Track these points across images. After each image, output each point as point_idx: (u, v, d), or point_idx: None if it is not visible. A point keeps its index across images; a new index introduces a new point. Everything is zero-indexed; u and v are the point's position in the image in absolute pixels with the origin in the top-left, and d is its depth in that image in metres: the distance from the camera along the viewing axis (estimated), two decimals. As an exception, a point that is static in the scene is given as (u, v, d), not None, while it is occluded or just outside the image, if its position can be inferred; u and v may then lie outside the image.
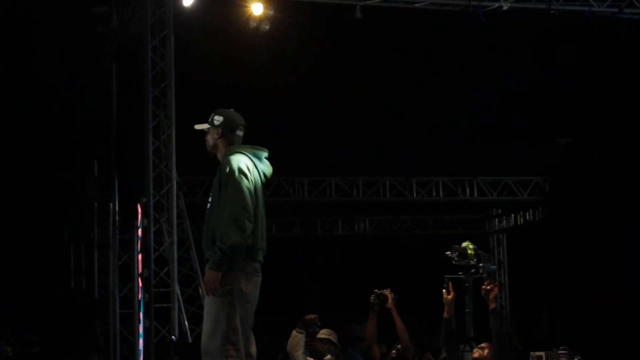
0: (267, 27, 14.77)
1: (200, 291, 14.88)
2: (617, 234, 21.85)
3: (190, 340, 14.23)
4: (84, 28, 17.51)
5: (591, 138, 22.39)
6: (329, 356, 9.40)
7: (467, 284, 8.38)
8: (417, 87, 20.20)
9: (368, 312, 9.52)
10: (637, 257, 21.17)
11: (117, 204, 17.04)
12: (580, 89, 20.98)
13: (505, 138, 23.35)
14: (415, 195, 22.76)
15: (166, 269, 14.18)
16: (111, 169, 16.88)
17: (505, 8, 15.17)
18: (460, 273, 8.45)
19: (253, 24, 14.81)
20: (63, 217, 21.30)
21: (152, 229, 14.13)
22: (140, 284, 14.45)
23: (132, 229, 16.15)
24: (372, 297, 9.41)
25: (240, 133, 7.14)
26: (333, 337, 9.67)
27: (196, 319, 14.43)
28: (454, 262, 8.41)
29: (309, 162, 22.21)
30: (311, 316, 9.08)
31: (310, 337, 9.16)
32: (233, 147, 7.05)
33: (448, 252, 8.44)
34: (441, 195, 22.98)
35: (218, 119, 7.12)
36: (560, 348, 14.83)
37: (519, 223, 28.39)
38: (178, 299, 14.34)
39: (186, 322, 14.71)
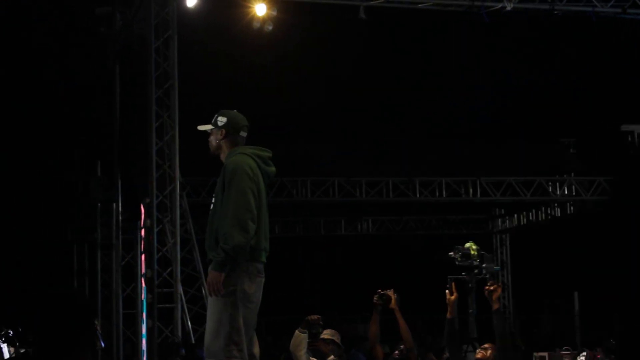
0: (271, 27, 14.79)
1: (203, 291, 14.89)
2: None
3: (193, 340, 14.25)
4: (88, 29, 17.52)
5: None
6: (332, 356, 9.40)
7: (470, 285, 8.38)
8: (420, 88, 20.21)
9: (370, 313, 9.52)
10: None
11: (120, 204, 17.05)
12: (584, 89, 20.97)
13: (509, 138, 23.36)
14: (418, 195, 22.75)
15: (169, 269, 14.18)
16: (114, 169, 16.88)
17: (508, 8, 15.17)
18: (463, 274, 8.45)
19: (256, 25, 14.82)
20: (66, 217, 21.31)
21: (155, 229, 14.13)
22: (144, 284, 14.46)
23: (135, 229, 16.17)
24: (375, 298, 9.40)
25: (244, 134, 7.14)
26: (336, 338, 9.67)
27: (199, 319, 14.44)
28: (457, 263, 8.41)
29: (312, 163, 22.22)
30: (314, 317, 9.07)
31: (314, 338, 9.17)
32: (237, 148, 7.05)
33: (451, 253, 8.44)
34: (444, 195, 22.96)
35: (222, 120, 7.12)
36: (563, 348, 14.84)
37: (522, 223, 28.39)
38: (181, 299, 14.35)
39: (189, 322, 14.72)
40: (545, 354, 14.85)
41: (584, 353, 12.25)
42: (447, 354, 9.15)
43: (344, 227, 28.64)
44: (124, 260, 17.32)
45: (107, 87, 17.34)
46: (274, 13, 14.78)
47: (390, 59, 20.03)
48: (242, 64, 17.81)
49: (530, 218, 27.82)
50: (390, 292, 9.41)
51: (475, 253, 8.40)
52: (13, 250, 22.65)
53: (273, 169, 7.10)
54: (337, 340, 9.67)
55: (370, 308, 9.48)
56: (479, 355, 8.45)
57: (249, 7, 14.82)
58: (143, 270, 14.46)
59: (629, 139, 22.61)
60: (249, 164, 6.87)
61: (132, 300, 17.08)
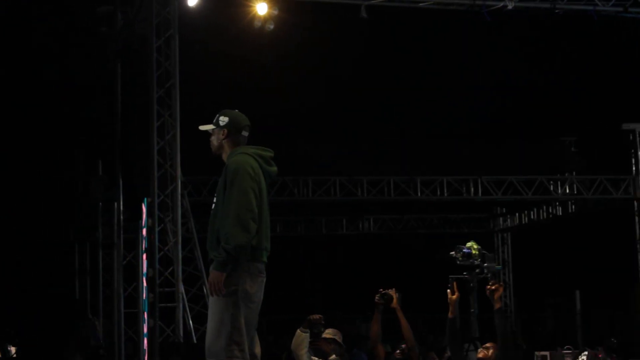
0: (272, 26, 14.78)
1: (204, 290, 14.89)
2: None
3: (195, 339, 14.25)
4: (88, 28, 17.52)
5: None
6: (333, 356, 9.39)
7: (471, 284, 8.37)
8: (422, 87, 20.21)
9: (372, 312, 9.52)
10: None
11: (121, 203, 17.05)
12: (585, 88, 20.96)
13: (510, 137, 23.36)
14: (419, 194, 22.74)
15: (171, 268, 14.20)
16: (116, 168, 16.88)
17: (510, 7, 15.17)
18: (464, 273, 8.44)
19: (258, 24, 14.82)
20: (67, 216, 21.32)
21: (157, 229, 14.14)
22: (145, 284, 14.46)
23: (136, 229, 16.16)
24: (377, 297, 9.40)
25: (245, 134, 7.14)
26: (338, 337, 9.67)
27: (201, 318, 14.45)
28: (458, 262, 8.41)
29: (313, 162, 22.22)
30: (316, 316, 9.07)
31: (315, 337, 9.16)
32: (238, 147, 7.04)
33: (452, 252, 8.43)
34: (445, 194, 22.95)
35: (223, 120, 7.11)
36: (565, 347, 14.84)
37: (523, 222, 28.39)
38: (182, 299, 14.36)
39: (190, 322, 14.72)
40: (547, 353, 14.84)
41: (586, 352, 12.24)
42: (448, 353, 9.14)
43: (345, 226, 28.65)
44: (125, 260, 17.32)
45: (108, 86, 17.33)
46: (275, 12, 14.77)
47: (392, 59, 20.03)
48: (244, 63, 17.81)
49: (532, 217, 27.83)
50: (392, 292, 9.40)
51: (477, 252, 8.39)
52: (14, 250, 22.66)
53: (275, 168, 7.10)
54: (338, 340, 9.66)
55: (372, 307, 9.47)
56: (480, 355, 8.45)
57: (250, 6, 14.82)
58: (145, 270, 14.46)
59: (630, 137, 22.64)
60: (250, 164, 6.87)
61: (133, 300, 17.07)
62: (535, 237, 28.40)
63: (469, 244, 8.43)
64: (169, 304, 14.11)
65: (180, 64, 14.52)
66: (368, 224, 28.70)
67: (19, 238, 22.72)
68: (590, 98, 21.62)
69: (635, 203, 23.11)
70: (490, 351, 8.39)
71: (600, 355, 13.67)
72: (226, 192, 6.80)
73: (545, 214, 27.14)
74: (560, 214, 26.51)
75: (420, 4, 15.30)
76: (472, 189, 22.98)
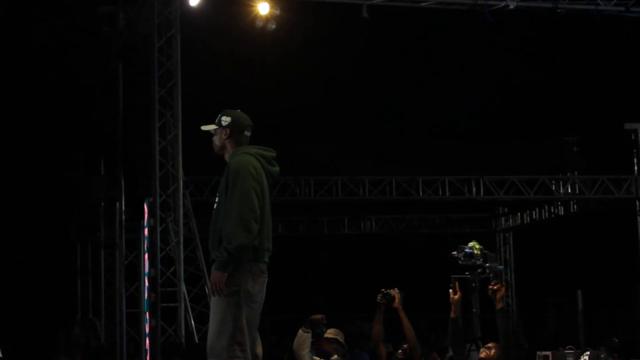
0: (274, 26, 14.77)
1: (206, 290, 14.89)
2: None
3: (196, 339, 14.24)
4: (88, 28, 17.53)
5: None
6: (335, 356, 9.38)
7: (473, 284, 8.37)
8: (423, 86, 20.21)
9: (374, 312, 9.51)
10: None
11: (123, 203, 17.06)
12: (587, 87, 20.96)
13: (512, 137, 23.34)
14: (421, 194, 22.72)
15: (172, 268, 14.19)
16: (117, 168, 16.89)
17: (512, 7, 15.16)
18: (466, 273, 8.44)
19: (259, 24, 14.81)
20: (69, 216, 21.33)
21: (159, 229, 14.13)
22: (147, 284, 14.46)
23: (138, 229, 16.16)
24: (379, 297, 9.40)
25: (247, 133, 7.13)
26: (340, 337, 9.66)
27: (202, 318, 14.45)
28: (460, 262, 8.40)
29: (315, 162, 22.21)
30: (318, 316, 9.05)
31: (317, 337, 9.15)
32: (241, 147, 7.03)
33: (454, 252, 8.43)
34: (447, 194, 22.94)
35: (226, 120, 7.10)
36: (567, 347, 14.82)
37: (525, 222, 28.38)
38: (184, 298, 14.35)
39: (192, 322, 14.72)
40: (549, 353, 14.83)
41: (588, 352, 12.23)
42: (450, 353, 9.14)
43: (347, 226, 28.63)
44: (127, 260, 17.32)
45: (109, 86, 17.35)
46: (277, 12, 14.77)
47: (393, 58, 20.03)
48: (245, 63, 17.82)
49: (534, 217, 27.81)
50: (394, 291, 9.40)
51: (479, 252, 8.38)
52: (16, 250, 22.66)
53: (277, 169, 7.09)
54: (340, 340, 9.65)
55: (374, 307, 9.47)
56: (482, 355, 8.44)
57: (252, 5, 14.82)
58: (146, 270, 14.46)
59: (632, 137, 22.62)
60: (252, 164, 6.86)
61: (135, 299, 17.07)
62: (537, 237, 28.39)
63: (471, 244, 8.43)
64: (170, 304, 14.10)
65: (182, 64, 14.51)
66: (370, 224, 28.68)
67: (21, 238, 22.72)
68: (592, 98, 21.62)
69: (637, 203, 23.10)
70: (492, 351, 8.38)
71: (602, 355, 13.66)
72: (228, 192, 6.79)
73: (547, 213, 27.12)
74: (562, 213, 26.49)
75: (422, 4, 15.29)
76: (474, 189, 22.96)
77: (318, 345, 9.20)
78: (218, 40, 16.94)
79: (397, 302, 9.36)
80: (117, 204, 17.60)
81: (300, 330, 9.06)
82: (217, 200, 6.98)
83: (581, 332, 25.27)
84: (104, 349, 16.70)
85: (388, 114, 22.24)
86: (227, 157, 7.06)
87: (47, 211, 22.21)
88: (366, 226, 28.72)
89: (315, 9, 15.92)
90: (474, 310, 8.43)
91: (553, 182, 23.65)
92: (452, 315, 8.39)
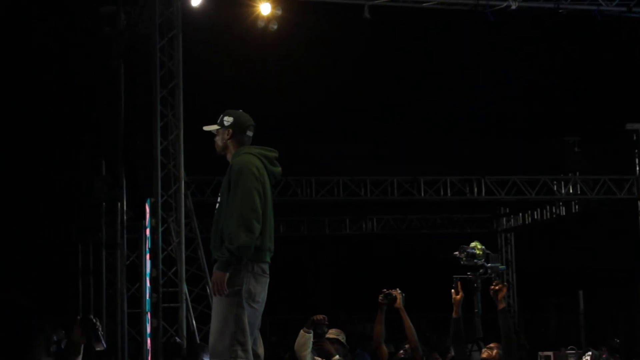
0: (275, 26, 14.76)
1: (208, 290, 14.89)
2: None
3: (198, 340, 14.23)
4: (89, 28, 17.53)
5: None
6: (337, 356, 9.36)
7: (475, 284, 8.36)
8: (425, 87, 20.21)
9: (375, 312, 9.51)
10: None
11: (125, 203, 17.05)
12: (588, 88, 20.96)
13: (514, 137, 23.35)
14: (423, 194, 22.72)
15: (174, 268, 14.18)
16: (119, 168, 16.88)
17: (513, 7, 15.14)
18: (468, 273, 8.42)
19: (261, 24, 14.80)
20: (70, 216, 21.32)
21: (160, 229, 14.13)
22: (148, 284, 14.46)
23: (140, 229, 16.17)
24: (380, 297, 9.38)
25: (250, 133, 7.12)
26: (341, 337, 9.65)
27: (204, 319, 14.44)
28: (462, 263, 8.39)
29: (317, 162, 22.23)
30: (319, 316, 9.04)
31: (319, 338, 9.14)
32: (243, 147, 7.03)
33: (456, 253, 8.42)
34: (449, 194, 22.94)
35: (228, 120, 7.09)
36: (568, 348, 14.82)
37: (526, 222, 28.38)
38: (186, 299, 14.35)
39: (194, 322, 14.71)
40: (551, 353, 14.83)
41: (589, 352, 12.21)
42: (452, 354, 9.13)
43: (348, 226, 28.64)
44: (128, 260, 17.31)
45: (111, 86, 17.35)
46: (279, 12, 14.76)
47: (395, 59, 20.03)
48: (247, 63, 17.83)
49: (535, 217, 27.81)
50: (395, 292, 9.39)
51: (481, 253, 8.37)
52: (17, 249, 22.67)
53: (279, 169, 7.09)
54: (342, 340, 9.65)
55: (375, 307, 9.46)
56: (484, 355, 8.43)
57: (254, 6, 14.81)
58: (148, 270, 14.46)
59: (634, 137, 22.62)
60: (255, 164, 6.86)
61: (136, 300, 17.07)
62: (539, 237, 28.40)
63: (473, 244, 8.41)
64: (172, 304, 14.10)
65: (183, 64, 14.50)
66: (371, 224, 28.69)
67: (22, 238, 22.73)
68: (594, 98, 21.62)
69: (639, 203, 23.10)
70: (494, 351, 8.37)
71: (603, 356, 13.65)
72: (230, 192, 6.79)
73: (548, 214, 27.12)
74: (564, 214, 26.49)
75: (424, 4, 15.28)
76: (476, 189, 22.97)
77: (319, 345, 9.19)
78: (220, 40, 16.94)
79: (398, 303, 9.35)
80: (119, 204, 17.60)
81: (301, 331, 9.04)
82: (219, 200, 6.97)
83: (582, 332, 25.29)
84: (105, 350, 16.69)
85: (389, 114, 22.24)
86: (229, 157, 7.06)
87: (48, 211, 22.22)
88: (367, 226, 28.72)
89: (317, 9, 15.91)
90: (476, 310, 8.42)
91: (554, 182, 23.65)
92: (453, 315, 8.39)
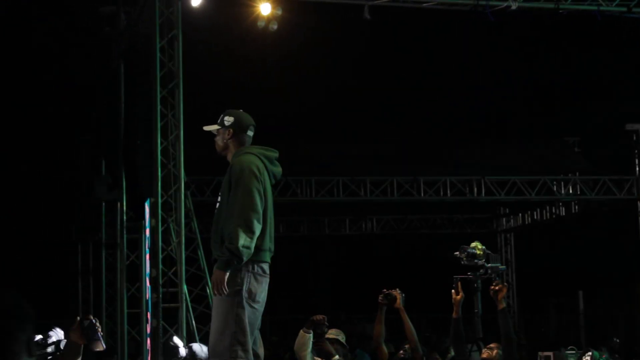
0: (275, 26, 14.75)
1: (207, 291, 14.89)
2: None
3: (197, 340, 14.22)
4: (89, 28, 17.54)
5: None
6: (337, 356, 9.37)
7: (475, 284, 8.36)
8: (425, 87, 20.22)
9: (375, 312, 9.50)
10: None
11: (124, 203, 17.05)
12: (588, 88, 20.97)
13: (513, 137, 23.35)
14: (422, 194, 22.70)
15: (174, 268, 14.18)
16: (119, 168, 16.88)
17: (513, 7, 15.13)
18: (469, 273, 8.43)
19: (261, 24, 14.80)
20: (70, 216, 21.34)
21: (160, 229, 14.13)
22: (148, 284, 14.46)
23: (139, 229, 16.16)
24: (380, 297, 9.38)
25: (250, 133, 7.13)
26: (341, 337, 9.66)
27: (204, 319, 14.43)
28: (462, 263, 8.39)
29: (316, 162, 22.22)
30: (319, 316, 9.04)
31: (319, 338, 9.14)
32: (243, 147, 7.03)
33: (457, 253, 8.42)
34: (449, 194, 22.92)
35: (229, 120, 7.09)
36: (569, 348, 14.81)
37: (526, 222, 28.37)
38: (186, 299, 14.34)
39: (194, 322, 14.71)
40: (550, 353, 14.81)
41: (590, 353, 12.21)
42: (452, 354, 9.13)
43: (348, 227, 28.63)
44: (128, 260, 17.32)
45: (111, 86, 17.35)
46: (279, 12, 14.75)
47: (395, 59, 20.04)
48: (247, 63, 17.84)
49: (535, 217, 27.79)
50: (395, 292, 9.39)
51: (481, 253, 8.38)
52: (17, 249, 22.67)
53: (279, 169, 7.09)
54: (341, 340, 9.65)
55: (375, 307, 9.46)
56: (484, 355, 8.44)
57: (254, 6, 14.80)
58: (148, 270, 14.45)
59: (634, 138, 22.63)
60: (255, 164, 6.85)
61: (136, 300, 17.08)
62: (539, 237, 28.40)
63: (473, 244, 8.42)
64: (172, 305, 14.09)
65: (183, 64, 14.49)
66: (371, 224, 28.68)
67: (22, 238, 22.73)
68: (594, 98, 21.63)
69: (639, 203, 23.09)
70: (494, 351, 8.38)
71: (604, 356, 13.65)
72: (231, 192, 6.79)
73: (548, 214, 27.10)
74: (564, 214, 26.47)
75: (424, 4, 15.26)
76: (475, 190, 22.95)
77: (319, 345, 9.19)
78: (220, 40, 16.95)
79: (398, 303, 9.35)
80: (118, 204, 17.60)
81: (301, 331, 9.04)
82: (219, 200, 6.97)
83: (582, 332, 25.29)
84: (105, 350, 16.69)
85: (389, 114, 22.25)
86: (229, 157, 7.05)
87: (48, 211, 22.23)
88: (367, 226, 28.71)
89: (317, 10, 15.91)
90: (476, 310, 8.42)
91: (554, 182, 23.63)
92: (454, 315, 8.39)
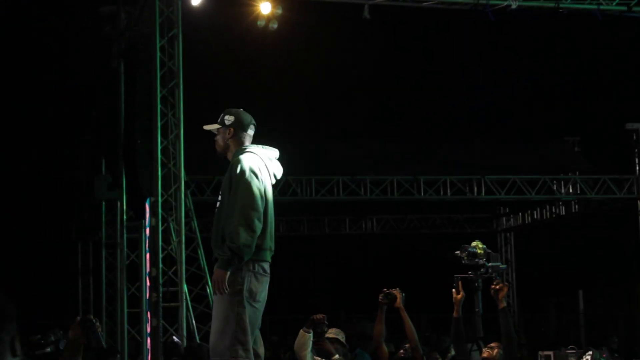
0: (275, 26, 14.75)
1: (208, 290, 14.89)
2: None
3: (197, 339, 14.22)
4: (92, 28, 17.54)
5: None
6: (337, 356, 9.36)
7: (476, 284, 8.35)
8: (425, 86, 20.22)
9: (375, 312, 9.49)
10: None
11: (124, 203, 17.06)
12: (588, 87, 20.97)
13: (513, 137, 23.35)
14: (423, 194, 22.69)
15: (174, 268, 14.18)
16: (119, 168, 16.89)
17: (514, 7, 15.12)
18: (469, 272, 8.42)
19: (261, 23, 14.80)
20: (70, 216, 21.34)
21: (160, 228, 14.13)
22: (148, 283, 14.46)
23: (140, 228, 16.17)
24: (380, 297, 9.37)
25: (251, 132, 7.11)
26: (341, 337, 9.65)
27: (204, 318, 14.44)
28: (463, 262, 8.38)
29: (317, 161, 22.22)
30: (319, 316, 9.03)
31: (319, 337, 9.13)
32: (244, 146, 7.02)
33: (457, 252, 8.41)
34: (449, 194, 22.91)
35: (229, 119, 7.08)
36: (569, 347, 14.81)
37: (526, 222, 28.37)
38: (186, 298, 14.34)
39: (194, 321, 14.71)
40: (551, 352, 14.82)
41: (590, 352, 12.21)
42: (452, 353, 9.12)
43: (348, 226, 28.63)
44: (128, 259, 17.33)
45: (111, 86, 17.36)
46: (279, 11, 14.75)
47: (396, 59, 20.04)
48: (247, 63, 17.84)
49: (535, 216, 27.79)
50: (395, 291, 9.38)
51: (482, 252, 8.37)
52: (18, 249, 22.67)
53: (280, 168, 7.09)
54: (341, 340, 9.64)
55: (376, 307, 9.45)
56: (485, 354, 8.43)
57: (254, 5, 14.80)
58: (148, 269, 14.46)
59: (634, 137, 22.63)
60: (256, 163, 6.85)
61: (136, 299, 17.09)
62: (539, 237, 28.40)
63: (474, 244, 8.41)
64: (172, 304, 14.10)
65: (183, 64, 14.49)
66: (371, 224, 28.68)
67: (22, 237, 22.73)
68: (594, 98, 21.63)
69: (639, 203, 23.10)
70: (495, 351, 8.37)
71: (604, 355, 13.65)
72: (231, 191, 6.78)
73: (548, 213, 27.10)
74: (564, 213, 26.47)
75: (424, 4, 15.26)
76: (476, 189, 22.94)
77: (319, 345, 9.18)
78: (220, 39, 16.95)
79: (398, 302, 9.33)
80: (119, 203, 17.61)
81: (301, 330, 9.04)
82: (219, 199, 6.96)
83: (582, 332, 25.28)
84: (104, 350, 16.68)
85: (389, 114, 22.26)
86: (230, 156, 7.04)
87: (48, 211, 22.23)
88: (367, 226, 28.71)
89: (317, 9, 15.91)
90: (477, 309, 8.41)
91: (554, 182, 23.63)
92: (454, 314, 8.38)
